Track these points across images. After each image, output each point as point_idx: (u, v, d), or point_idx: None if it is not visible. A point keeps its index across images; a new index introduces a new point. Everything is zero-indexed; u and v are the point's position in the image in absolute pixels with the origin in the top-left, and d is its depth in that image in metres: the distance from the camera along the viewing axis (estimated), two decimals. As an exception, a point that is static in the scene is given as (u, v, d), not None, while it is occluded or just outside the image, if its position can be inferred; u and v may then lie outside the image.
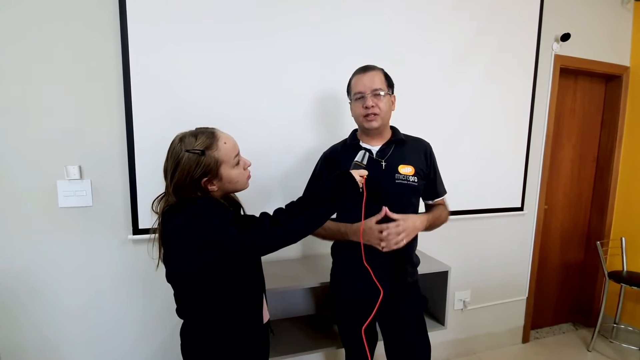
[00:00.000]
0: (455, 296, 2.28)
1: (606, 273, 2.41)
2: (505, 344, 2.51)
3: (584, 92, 2.60)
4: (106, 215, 1.57)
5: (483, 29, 2.04)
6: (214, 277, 0.95)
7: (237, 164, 0.99)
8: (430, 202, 1.42)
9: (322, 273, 1.59)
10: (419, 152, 1.33)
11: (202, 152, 0.90)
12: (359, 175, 1.04)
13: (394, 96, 1.29)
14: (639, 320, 2.42)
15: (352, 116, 1.31)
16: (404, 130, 1.36)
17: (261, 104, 1.68)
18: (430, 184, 1.37)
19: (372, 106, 1.21)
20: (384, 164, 1.26)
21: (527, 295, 2.51)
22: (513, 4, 2.10)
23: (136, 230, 1.58)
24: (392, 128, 1.35)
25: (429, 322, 1.45)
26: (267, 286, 1.30)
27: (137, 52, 1.49)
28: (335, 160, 1.33)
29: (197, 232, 0.85)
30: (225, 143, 0.95)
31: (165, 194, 0.95)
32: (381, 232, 1.15)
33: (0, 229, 1.46)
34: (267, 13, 1.64)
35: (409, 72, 1.89)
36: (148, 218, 1.56)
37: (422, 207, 1.42)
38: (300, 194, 1.35)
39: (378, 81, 1.22)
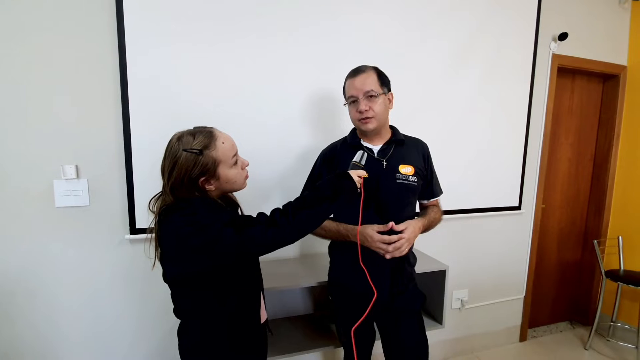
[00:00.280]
0: (453, 295, 2.29)
1: (603, 272, 2.42)
2: (503, 343, 2.52)
3: (582, 91, 2.60)
4: (103, 215, 1.56)
5: (481, 28, 2.04)
6: (211, 277, 0.94)
7: (235, 163, 0.98)
8: (425, 202, 1.42)
9: (320, 272, 1.58)
10: (417, 152, 1.34)
11: (200, 152, 0.89)
12: (357, 175, 1.04)
13: (391, 94, 1.28)
14: (636, 318, 2.42)
15: (350, 119, 1.31)
16: (402, 130, 1.36)
17: (259, 103, 1.68)
18: (426, 185, 1.37)
19: (366, 109, 1.20)
20: (385, 163, 1.26)
21: (524, 294, 2.52)
22: (511, 3, 2.10)
23: (133, 230, 1.58)
24: (392, 128, 1.35)
25: (426, 321, 1.45)
26: (265, 286, 1.30)
27: (134, 52, 1.48)
28: (335, 159, 1.33)
29: (193, 233, 0.84)
30: (223, 143, 0.94)
31: (162, 193, 0.95)
32: (386, 242, 1.15)
33: (-3, 228, 1.45)
34: (266, 13, 1.64)
35: (407, 72, 1.89)
36: (145, 217, 1.56)
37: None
38: (298, 194, 1.35)
39: (370, 83, 1.20)
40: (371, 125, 1.23)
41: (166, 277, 0.97)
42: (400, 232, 1.16)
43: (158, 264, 0.98)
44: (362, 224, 1.18)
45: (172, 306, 1.03)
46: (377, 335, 1.46)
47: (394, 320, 1.34)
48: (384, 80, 1.25)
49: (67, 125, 1.47)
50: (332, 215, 1.29)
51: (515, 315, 2.54)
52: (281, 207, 0.94)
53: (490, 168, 2.21)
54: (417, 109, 1.94)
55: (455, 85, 2.03)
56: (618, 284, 2.44)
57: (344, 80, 1.30)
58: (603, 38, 2.45)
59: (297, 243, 1.74)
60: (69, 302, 1.57)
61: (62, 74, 1.45)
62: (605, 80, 2.64)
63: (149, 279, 1.62)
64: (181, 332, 1.03)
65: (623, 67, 2.54)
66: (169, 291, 1.01)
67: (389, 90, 1.27)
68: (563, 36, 2.25)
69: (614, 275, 2.40)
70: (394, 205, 1.25)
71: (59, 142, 1.47)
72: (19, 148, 1.43)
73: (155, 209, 0.95)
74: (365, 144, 1.30)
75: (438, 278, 1.68)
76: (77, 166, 1.50)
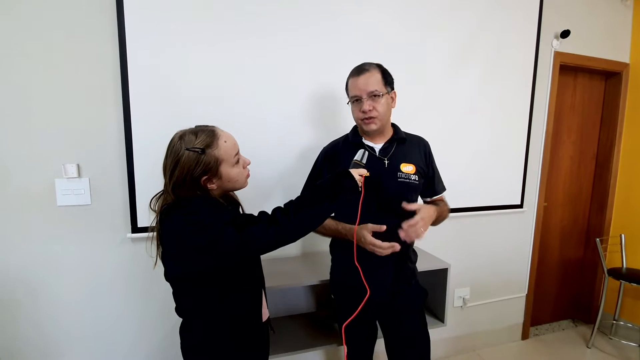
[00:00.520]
0: (455, 293, 2.29)
1: (605, 270, 2.42)
2: (505, 341, 2.52)
3: (584, 89, 2.59)
4: (105, 214, 1.56)
5: (483, 26, 2.03)
6: (213, 276, 0.94)
7: (237, 162, 0.98)
8: (428, 199, 1.42)
9: (322, 271, 1.59)
10: (419, 150, 1.33)
11: (202, 151, 0.89)
12: (358, 174, 1.03)
13: (394, 92, 1.27)
14: (638, 316, 2.42)
15: (353, 117, 1.30)
16: (403, 128, 1.36)
17: (260, 102, 1.68)
18: (428, 182, 1.37)
19: (369, 110, 1.19)
20: (386, 162, 1.25)
21: (526, 292, 2.52)
22: (511, 2, 2.09)
23: (135, 229, 1.58)
24: (393, 125, 1.34)
25: (428, 319, 1.45)
26: (268, 284, 1.30)
27: (135, 51, 1.48)
28: (337, 156, 1.32)
29: (194, 232, 0.84)
30: (225, 142, 0.94)
31: (164, 192, 0.95)
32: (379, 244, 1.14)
33: (-1, 228, 1.45)
34: (266, 12, 1.63)
35: (409, 71, 1.88)
36: (147, 216, 1.56)
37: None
38: (299, 192, 1.36)
39: (374, 82, 1.19)
40: (374, 126, 1.22)
41: (168, 276, 0.97)
42: (413, 212, 1.13)
43: (159, 262, 0.98)
44: (363, 223, 1.17)
45: (173, 305, 1.03)
46: (379, 333, 1.46)
47: (396, 317, 1.34)
48: (387, 79, 1.24)
49: (69, 124, 1.47)
50: (333, 214, 1.29)
51: (517, 313, 2.53)
52: (282, 206, 0.93)
53: (492, 166, 2.21)
54: (418, 108, 1.93)
55: (456, 84, 2.02)
56: (620, 282, 2.44)
57: (346, 78, 1.29)
58: (605, 35, 2.44)
59: (299, 241, 1.75)
60: (70, 300, 1.57)
61: (63, 73, 1.45)
62: (607, 77, 2.63)
63: (150, 278, 1.63)
64: (183, 331, 1.03)
65: (625, 65, 2.53)
66: (171, 290, 1.01)
67: (392, 89, 1.26)
68: (565, 34, 2.24)
69: (616, 273, 2.40)
70: (395, 204, 1.24)
71: (60, 141, 1.47)
72: (21, 147, 1.43)
73: (156, 208, 0.95)
74: (366, 142, 1.29)
75: (440, 276, 1.68)
76: (78, 165, 1.50)
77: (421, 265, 1.45)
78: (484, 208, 2.24)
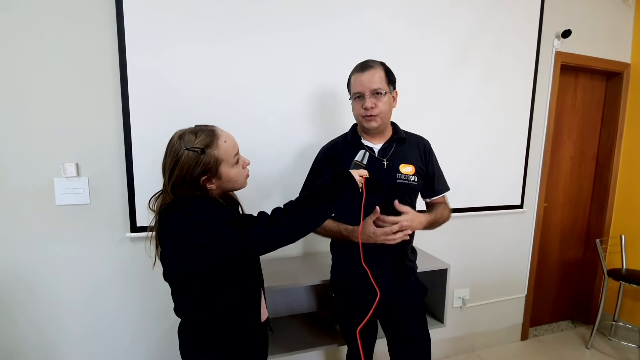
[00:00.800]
0: (455, 294, 2.28)
1: (605, 271, 2.41)
2: (504, 342, 2.52)
3: (585, 89, 2.59)
4: (104, 213, 1.56)
5: (483, 25, 2.02)
6: (211, 276, 0.94)
7: (237, 162, 0.98)
8: (428, 200, 1.40)
9: (323, 270, 1.58)
10: (418, 150, 1.32)
11: (202, 151, 0.89)
12: (359, 175, 1.03)
13: (396, 92, 1.27)
14: (638, 317, 2.42)
15: (353, 114, 1.30)
16: (403, 128, 1.35)
17: (260, 101, 1.67)
18: (428, 182, 1.35)
19: (372, 107, 1.18)
20: (385, 163, 1.24)
21: (526, 293, 2.52)
22: (512, 1, 2.08)
23: (134, 228, 1.57)
24: (393, 125, 1.33)
25: (428, 320, 1.45)
26: (268, 284, 1.29)
27: (134, 50, 1.48)
28: (336, 156, 1.31)
29: (193, 232, 0.84)
30: (225, 142, 0.94)
31: (163, 191, 0.94)
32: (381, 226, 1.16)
33: (-3, 227, 1.45)
34: (266, 12, 1.62)
35: (408, 70, 1.87)
36: (146, 216, 1.55)
37: (421, 205, 1.41)
38: (299, 191, 1.36)
39: (378, 80, 1.18)
40: (375, 124, 1.21)
41: (166, 276, 0.97)
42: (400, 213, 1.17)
43: (159, 262, 0.97)
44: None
45: (172, 304, 1.02)
46: (380, 333, 1.46)
47: (397, 315, 1.34)
48: (390, 77, 1.23)
49: (68, 123, 1.47)
50: (333, 215, 1.28)
51: (516, 313, 2.53)
52: (282, 206, 0.93)
53: (492, 166, 2.20)
54: (418, 107, 1.92)
55: (457, 82, 2.02)
56: (620, 283, 2.44)
57: (346, 77, 1.29)
58: (606, 35, 2.43)
59: (299, 241, 1.75)
60: (69, 300, 1.57)
61: (63, 72, 1.44)
62: (608, 78, 2.62)
63: (149, 277, 1.62)
64: (181, 331, 1.03)
65: (626, 65, 2.52)
66: (170, 290, 1.00)
67: (394, 88, 1.26)
68: (567, 33, 2.23)
69: (616, 274, 2.39)
70: (393, 204, 1.24)
71: (59, 140, 1.47)
72: (19, 146, 1.43)
73: (155, 208, 0.95)
74: (365, 142, 1.28)
75: (439, 276, 1.68)
76: (77, 164, 1.50)
77: (421, 266, 1.44)
78: (484, 208, 2.23)
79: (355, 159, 1.09)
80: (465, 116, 2.07)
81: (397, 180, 1.24)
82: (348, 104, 1.31)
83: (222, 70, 1.60)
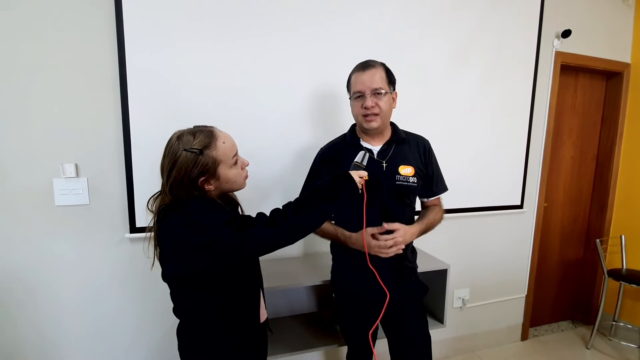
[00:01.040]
0: (454, 294, 2.28)
1: (605, 271, 2.41)
2: (504, 342, 2.52)
3: (585, 89, 2.58)
4: (103, 214, 1.56)
5: (483, 25, 2.02)
6: (210, 277, 0.94)
7: (235, 163, 0.97)
8: (425, 200, 1.40)
9: (323, 271, 1.58)
10: (418, 150, 1.31)
11: (200, 152, 0.89)
12: (359, 176, 1.02)
13: (396, 92, 1.26)
14: (638, 318, 2.42)
15: (352, 114, 1.29)
16: (403, 128, 1.34)
17: (260, 101, 1.67)
18: (427, 182, 1.35)
19: (372, 106, 1.18)
20: (384, 164, 1.24)
21: (526, 293, 2.51)
22: (513, 0, 2.08)
23: (133, 229, 1.57)
24: (392, 125, 1.33)
25: (428, 320, 1.45)
26: (268, 284, 1.29)
27: (134, 50, 1.48)
28: (336, 157, 1.30)
29: (191, 233, 0.84)
30: (224, 142, 0.93)
31: (161, 192, 0.94)
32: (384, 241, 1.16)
33: (-3, 227, 1.45)
34: (266, 12, 1.62)
35: (409, 70, 1.87)
36: (145, 216, 1.55)
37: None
38: (298, 192, 1.35)
39: (378, 79, 1.18)
40: (375, 124, 1.21)
41: (165, 277, 0.97)
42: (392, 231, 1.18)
43: (157, 263, 0.97)
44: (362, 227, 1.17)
45: (171, 305, 1.02)
46: (380, 334, 1.46)
47: (398, 315, 1.33)
48: (391, 78, 1.23)
49: (67, 124, 1.47)
50: (333, 215, 1.28)
51: (516, 314, 2.53)
52: (281, 207, 0.92)
53: (492, 167, 2.20)
54: (418, 107, 1.92)
55: (457, 82, 2.01)
56: (620, 283, 2.43)
57: (346, 77, 1.28)
58: (606, 35, 2.43)
59: (299, 242, 1.74)
60: (69, 300, 1.57)
61: (62, 72, 1.44)
62: (608, 78, 2.62)
63: (148, 278, 1.62)
64: (180, 332, 1.03)
65: (626, 65, 2.52)
66: (169, 290, 1.00)
67: (394, 89, 1.25)
68: (566, 33, 2.23)
69: (616, 274, 2.39)
70: (393, 206, 1.24)
71: (58, 140, 1.47)
72: (19, 146, 1.43)
73: (154, 208, 0.95)
74: (364, 143, 1.28)
75: (439, 277, 1.68)
76: (76, 165, 1.50)
77: (420, 266, 1.44)
78: (484, 208, 2.23)
79: (355, 160, 1.09)
80: (465, 116, 2.07)
81: (397, 182, 1.23)
82: (348, 104, 1.30)
83: (222, 70, 1.60)
